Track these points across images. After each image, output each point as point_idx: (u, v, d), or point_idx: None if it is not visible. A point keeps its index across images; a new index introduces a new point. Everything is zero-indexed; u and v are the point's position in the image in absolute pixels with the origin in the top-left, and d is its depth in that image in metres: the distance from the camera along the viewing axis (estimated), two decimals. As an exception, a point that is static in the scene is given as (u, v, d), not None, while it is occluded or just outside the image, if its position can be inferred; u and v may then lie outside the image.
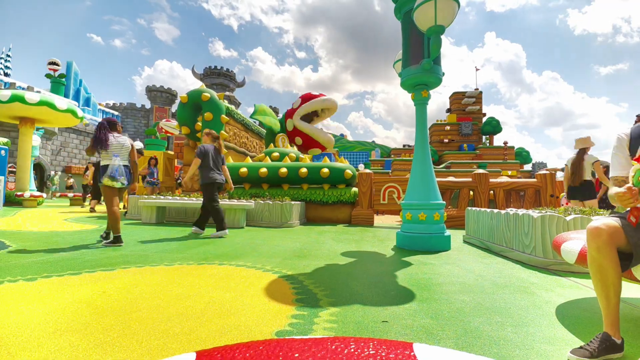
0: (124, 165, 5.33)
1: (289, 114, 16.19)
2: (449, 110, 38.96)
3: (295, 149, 14.51)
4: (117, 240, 5.26)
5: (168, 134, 17.46)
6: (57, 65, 30.16)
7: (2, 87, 26.81)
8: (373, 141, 41.65)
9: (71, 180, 28.35)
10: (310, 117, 16.06)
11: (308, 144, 15.96)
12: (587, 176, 7.06)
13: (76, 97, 37.55)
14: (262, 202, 9.07)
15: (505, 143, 34.87)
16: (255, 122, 16.80)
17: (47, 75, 29.04)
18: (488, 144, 36.08)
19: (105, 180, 5.20)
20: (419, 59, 5.74)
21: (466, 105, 37.55)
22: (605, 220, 1.94)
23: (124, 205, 12.13)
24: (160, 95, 56.74)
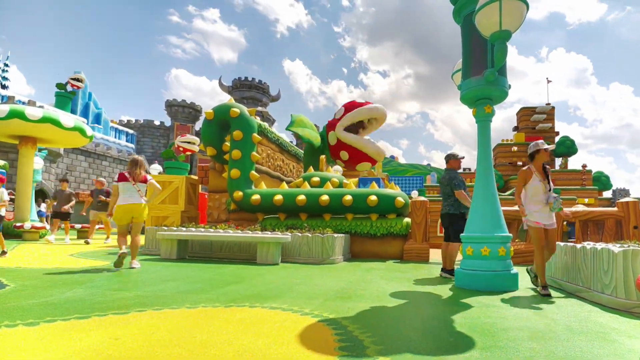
0: None
1: (331, 125, 16.16)
2: (516, 129, 38.31)
3: (339, 169, 14.49)
4: None
5: (187, 152, 17.71)
6: (81, 81, 30.91)
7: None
8: (428, 164, 41.21)
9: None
10: (355, 129, 15.87)
11: (355, 157, 15.80)
12: None
13: (85, 113, 38.15)
14: (299, 234, 9.14)
15: (584, 166, 33.87)
16: (292, 142, 16.85)
17: (59, 85, 29.85)
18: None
19: None
20: (482, 69, 5.77)
21: (536, 123, 36.84)
22: None
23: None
24: (182, 111, 57.46)
